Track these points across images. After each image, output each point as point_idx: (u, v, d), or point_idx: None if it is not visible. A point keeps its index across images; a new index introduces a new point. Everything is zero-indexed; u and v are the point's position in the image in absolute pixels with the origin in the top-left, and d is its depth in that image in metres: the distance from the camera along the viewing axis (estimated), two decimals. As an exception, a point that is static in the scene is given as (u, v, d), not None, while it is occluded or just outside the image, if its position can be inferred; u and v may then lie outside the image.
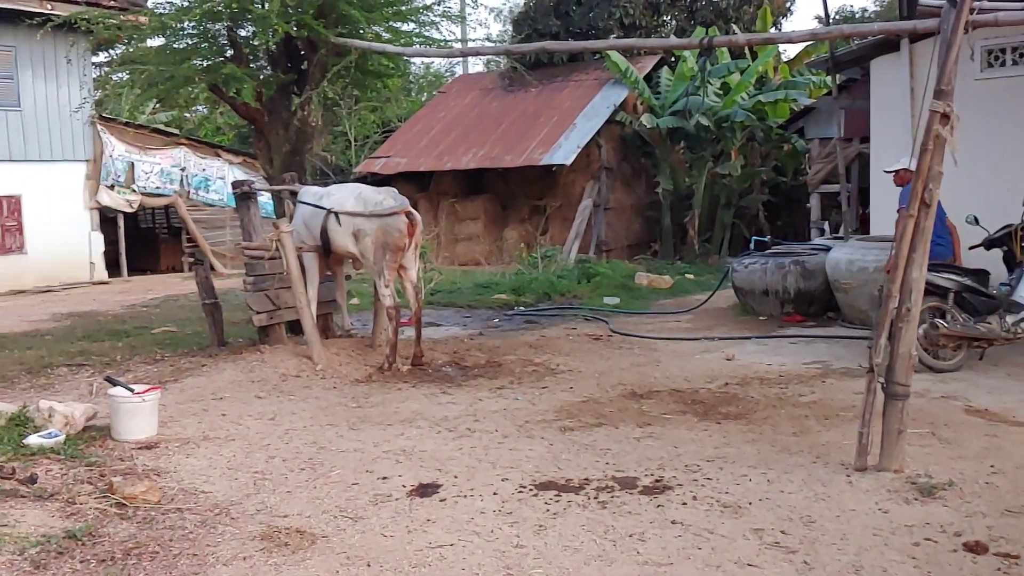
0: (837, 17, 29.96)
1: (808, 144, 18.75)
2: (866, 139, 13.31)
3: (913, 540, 4.13)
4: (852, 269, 9.94)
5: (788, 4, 25.59)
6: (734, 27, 22.30)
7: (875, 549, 4.05)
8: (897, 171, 8.52)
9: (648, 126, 19.63)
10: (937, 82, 5.05)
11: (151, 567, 4.03)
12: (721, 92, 20.31)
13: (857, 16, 32.44)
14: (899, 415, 5.07)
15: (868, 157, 12.77)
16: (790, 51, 23.09)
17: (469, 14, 16.44)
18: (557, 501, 4.77)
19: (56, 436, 5.79)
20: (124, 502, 4.76)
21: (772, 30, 21.82)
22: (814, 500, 4.67)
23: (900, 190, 8.29)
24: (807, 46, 20.77)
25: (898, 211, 7.50)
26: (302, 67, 10.03)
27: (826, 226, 16.83)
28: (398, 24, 10.26)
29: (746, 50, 20.40)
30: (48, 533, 4.32)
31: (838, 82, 13.36)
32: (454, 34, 13.72)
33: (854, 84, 14.51)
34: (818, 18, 35.21)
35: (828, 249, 10.95)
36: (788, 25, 25.98)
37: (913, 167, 7.29)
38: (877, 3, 34.33)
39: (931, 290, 7.10)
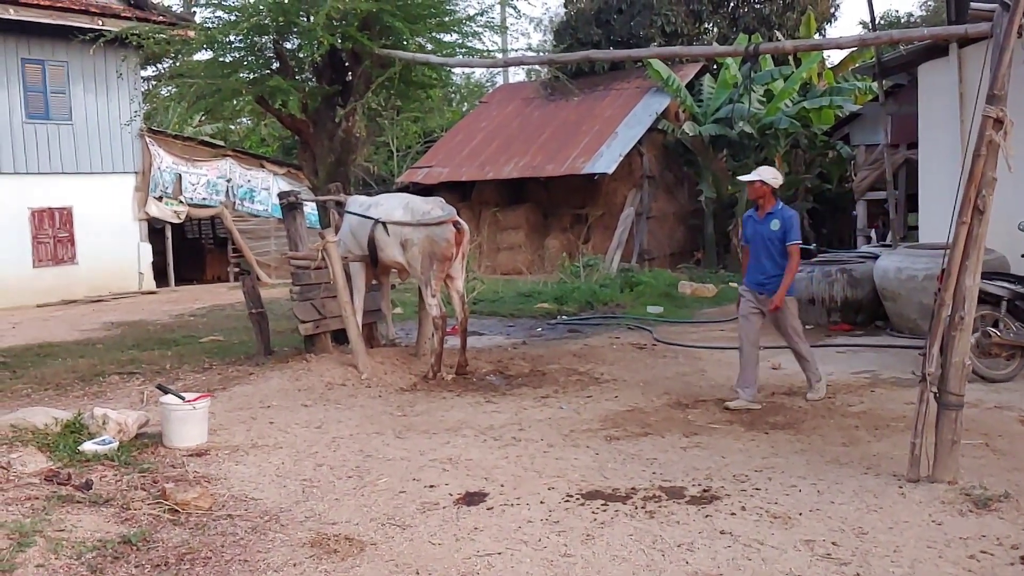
0: (882, 22, 29.61)
1: (853, 151, 18.54)
2: (913, 145, 13.11)
3: (968, 553, 4.05)
4: (901, 277, 9.79)
5: (832, 10, 25.33)
6: (777, 34, 22.13)
7: (929, 562, 3.98)
8: (752, 183, 7.26)
9: (691, 134, 19.54)
10: (990, 87, 4.96)
11: (204, 572, 4.09)
12: (764, 99, 20.16)
13: (902, 21, 32.02)
14: (953, 425, 4.98)
15: (916, 164, 12.59)
16: (834, 57, 22.90)
17: (511, 24, 16.54)
18: (604, 510, 4.75)
19: (110, 443, 5.90)
20: (177, 508, 4.83)
21: (816, 36, 21.62)
22: (866, 511, 4.60)
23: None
24: (852, 52, 20.53)
25: (743, 243, 7.41)
26: (346, 79, 10.14)
27: (873, 233, 16.60)
28: (441, 35, 10.34)
29: (790, 57, 20.23)
30: (104, 538, 4.40)
31: (885, 88, 13.19)
32: (496, 44, 13.77)
33: (901, 89, 14.32)
34: (863, 23, 34.83)
35: (876, 257, 10.80)
36: (832, 31, 25.69)
37: (768, 180, 7.13)
38: (922, 8, 33.88)
39: (984, 298, 6.96)
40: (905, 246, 11.02)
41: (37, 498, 4.88)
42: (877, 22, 16.23)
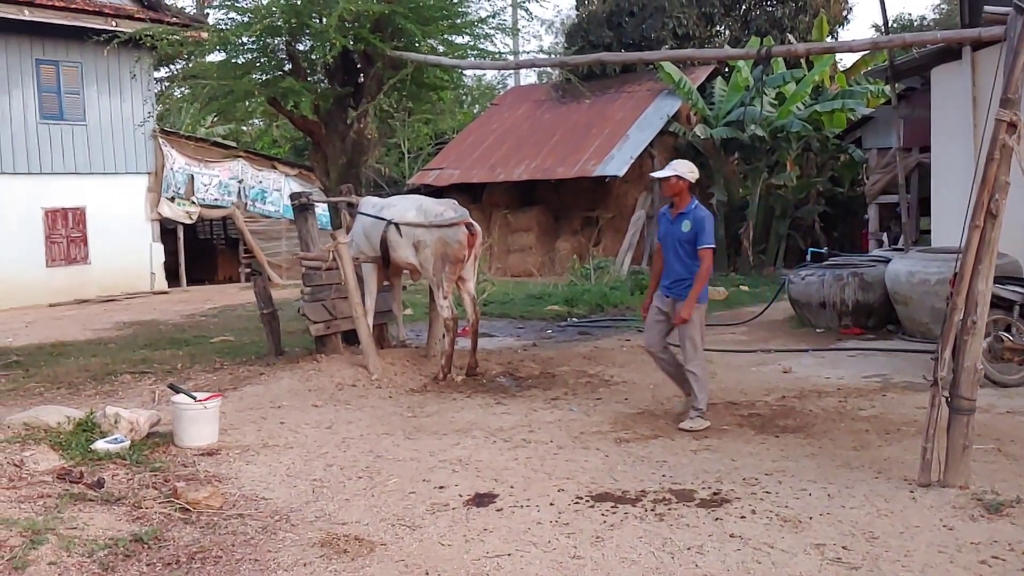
0: (895, 25, 29.52)
1: (866, 154, 18.49)
2: (926, 149, 13.08)
3: (980, 558, 4.03)
4: (913, 281, 9.75)
5: (845, 13, 25.27)
6: (789, 36, 22.09)
7: (940, 567, 3.97)
8: (667, 178, 6.70)
9: (702, 137, 19.52)
10: (1003, 90, 4.95)
11: (215, 571, 4.10)
12: (776, 102, 20.13)
13: (915, 24, 31.91)
14: (964, 430, 4.96)
15: (928, 167, 12.55)
16: (847, 60, 22.84)
17: (523, 27, 16.56)
18: (614, 513, 4.75)
19: (122, 442, 5.93)
20: (188, 507, 4.86)
21: (828, 39, 21.56)
22: (876, 516, 4.58)
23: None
24: (864, 55, 20.48)
25: (704, 248, 6.51)
26: (359, 80, 10.17)
27: (885, 237, 16.55)
28: (453, 37, 10.36)
29: (802, 60, 20.19)
30: (115, 536, 4.43)
31: (897, 91, 13.16)
32: (508, 46, 13.82)
33: (914, 93, 14.29)
34: (875, 27, 34.71)
35: (887, 261, 10.77)
36: (844, 34, 25.64)
37: (685, 174, 6.58)
38: (936, 11, 33.77)
39: (996, 303, 6.94)
40: (917, 250, 10.98)
41: (50, 496, 4.91)
42: (890, 25, 16.17)
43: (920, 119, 13.19)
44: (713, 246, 6.63)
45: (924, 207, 14.54)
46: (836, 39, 23.72)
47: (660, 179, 6.78)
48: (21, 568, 4.01)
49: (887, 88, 15.22)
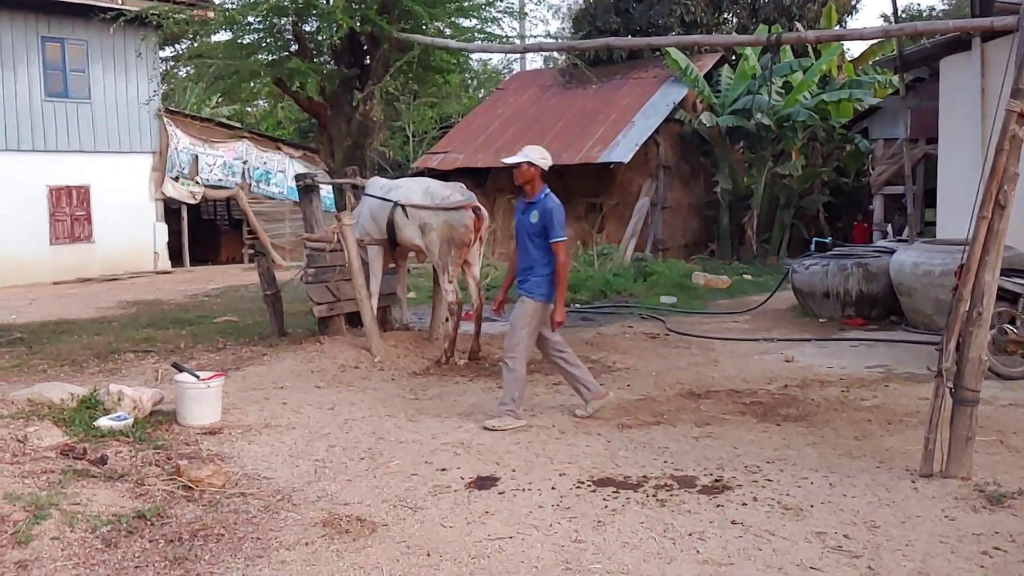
0: (904, 15, 29.36)
1: (872, 145, 18.44)
2: (933, 140, 13.05)
3: (981, 549, 4.04)
4: (917, 272, 9.73)
5: (854, 2, 25.13)
6: (798, 24, 21.97)
7: (941, 556, 3.97)
8: (517, 165, 6.35)
9: (708, 125, 19.46)
10: (1015, 81, 4.91)
11: (216, 549, 4.11)
12: (783, 91, 20.06)
13: (925, 14, 31.75)
14: (968, 421, 4.96)
15: (935, 158, 12.51)
16: (855, 50, 22.74)
17: (530, 11, 16.49)
18: (615, 497, 4.76)
19: (125, 419, 5.94)
20: (190, 485, 4.87)
21: (836, 27, 21.46)
22: (878, 505, 4.59)
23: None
24: (873, 44, 20.40)
25: (556, 242, 6.12)
26: (365, 62, 10.14)
27: (889, 228, 16.52)
28: (460, 20, 10.34)
29: (809, 48, 20.10)
30: (118, 512, 4.44)
31: (906, 81, 13.10)
32: (515, 30, 13.74)
33: (922, 83, 14.25)
34: (884, 16, 34.52)
35: (892, 252, 10.75)
36: (853, 23, 25.52)
37: (536, 160, 6.23)
38: (945, 2, 33.56)
39: (1001, 295, 6.91)
40: (922, 241, 10.95)
41: (53, 472, 4.92)
42: (900, 15, 16.09)
43: (928, 110, 13.15)
44: (564, 238, 6.21)
45: (929, 199, 14.50)
46: (845, 28, 23.61)
47: (511, 166, 6.42)
48: (24, 543, 4.03)
49: (895, 78, 15.16)
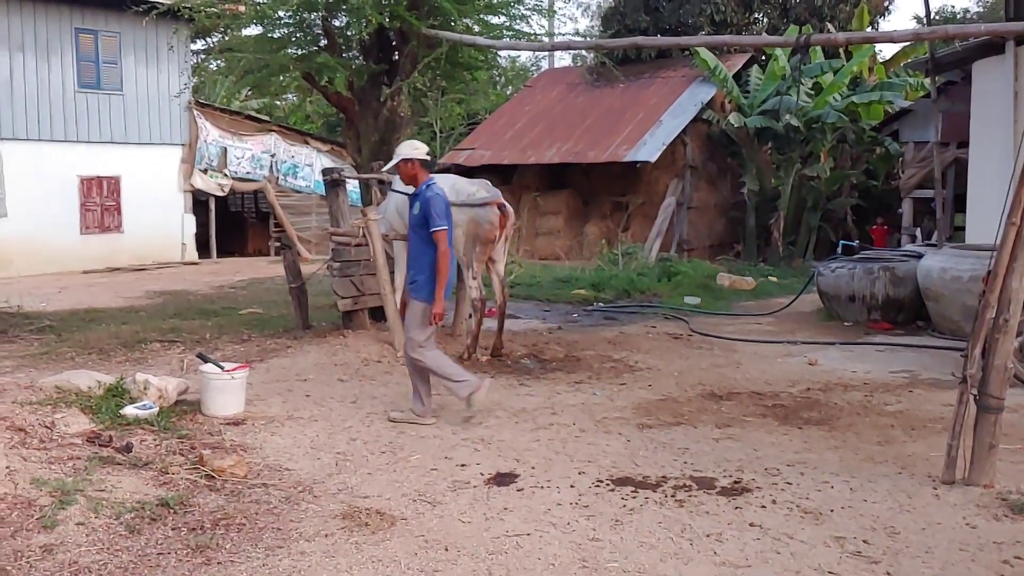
0: (937, 17, 29.04)
1: (902, 148, 18.26)
2: (964, 144, 12.89)
3: (1002, 557, 4.01)
4: (945, 277, 9.63)
5: (886, 3, 24.88)
6: (829, 25, 21.80)
7: (961, 564, 3.95)
8: (396, 167, 6.26)
9: (736, 125, 19.35)
10: (1047, 86, 4.86)
11: (238, 538, 4.17)
12: (813, 92, 19.91)
13: (958, 16, 31.37)
14: (992, 429, 4.91)
15: (966, 163, 12.37)
16: (886, 51, 22.53)
17: (559, 8, 16.48)
18: (634, 497, 4.77)
19: (150, 408, 6.01)
20: (213, 474, 4.93)
21: (868, 29, 21.27)
22: (899, 511, 4.56)
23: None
24: (904, 47, 20.20)
25: (436, 231, 5.93)
26: (393, 58, 10.18)
27: (918, 232, 16.36)
28: (489, 17, 10.35)
29: (841, 50, 19.92)
30: (142, 500, 4.51)
31: (937, 84, 12.95)
32: (543, 28, 13.74)
33: (954, 86, 14.08)
34: (916, 18, 34.18)
35: (919, 256, 10.65)
36: (885, 25, 25.26)
37: (408, 155, 6.05)
38: (979, 4, 33.15)
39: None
40: (951, 246, 10.84)
41: (79, 458, 5.00)
42: (932, 17, 15.92)
43: (959, 113, 12.99)
44: (445, 227, 5.99)
45: (959, 203, 14.34)
46: (877, 30, 23.40)
47: (392, 172, 6.28)
48: (50, 527, 4.10)
49: (926, 81, 14.99)
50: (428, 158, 6.24)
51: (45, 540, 4.00)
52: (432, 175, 6.53)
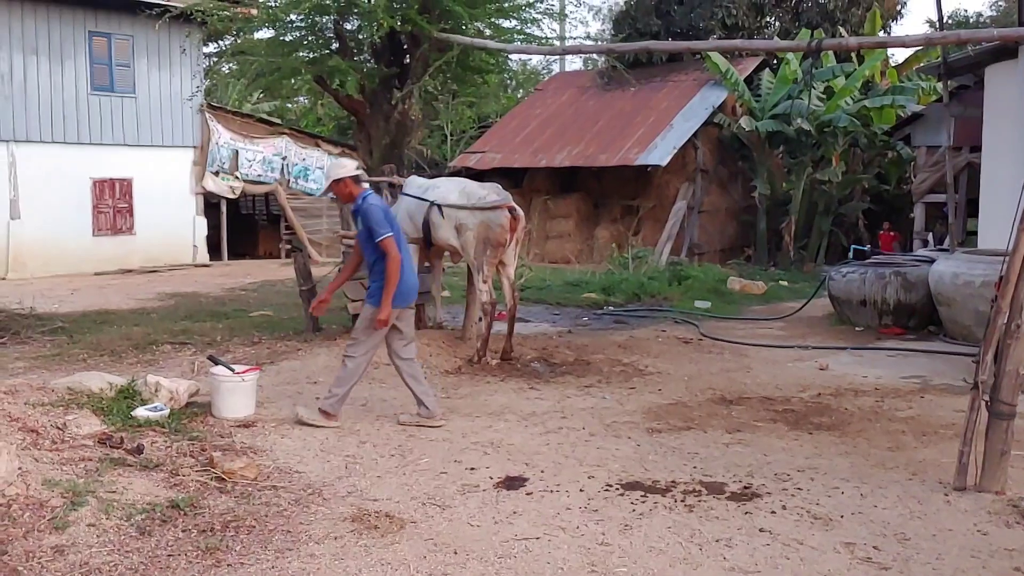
0: (950, 21, 28.95)
1: (914, 152, 18.19)
2: (977, 148, 12.84)
3: (1014, 565, 3.99)
4: (957, 283, 9.60)
5: (899, 7, 24.79)
6: (841, 30, 21.74)
7: (972, 571, 3.93)
8: (332, 184, 6.14)
9: (747, 129, 19.33)
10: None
11: (248, 540, 4.18)
12: (824, 96, 19.86)
13: (971, 21, 31.25)
14: (1003, 435, 4.89)
15: (978, 167, 12.32)
16: (899, 56, 22.46)
17: (570, 12, 16.49)
18: (643, 502, 4.76)
19: (161, 410, 6.04)
20: (223, 476, 4.95)
21: (881, 33, 21.21)
22: (909, 517, 4.55)
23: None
24: (917, 51, 20.11)
25: (381, 240, 5.85)
26: (404, 61, 10.20)
27: (930, 237, 16.30)
28: (500, 21, 10.35)
29: (853, 54, 19.87)
30: (153, 501, 4.53)
31: (950, 89, 12.92)
32: (555, 32, 13.74)
33: (966, 91, 14.03)
34: (929, 22, 34.06)
35: (931, 261, 10.60)
36: (898, 29, 25.17)
37: (338, 175, 5.98)
38: (993, 8, 33.03)
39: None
40: (963, 251, 10.79)
41: (90, 459, 5.02)
42: (945, 21, 15.86)
43: (972, 118, 12.94)
44: (390, 233, 5.91)
45: (972, 208, 14.28)
46: (889, 34, 23.33)
47: (329, 197, 6.20)
48: (62, 528, 4.12)
49: (939, 85, 14.95)
50: (359, 173, 6.23)
51: (57, 541, 4.02)
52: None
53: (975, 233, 12.98)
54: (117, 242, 19.08)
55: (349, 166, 6.24)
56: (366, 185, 6.26)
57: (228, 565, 3.92)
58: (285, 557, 4.01)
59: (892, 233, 19.20)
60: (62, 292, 14.71)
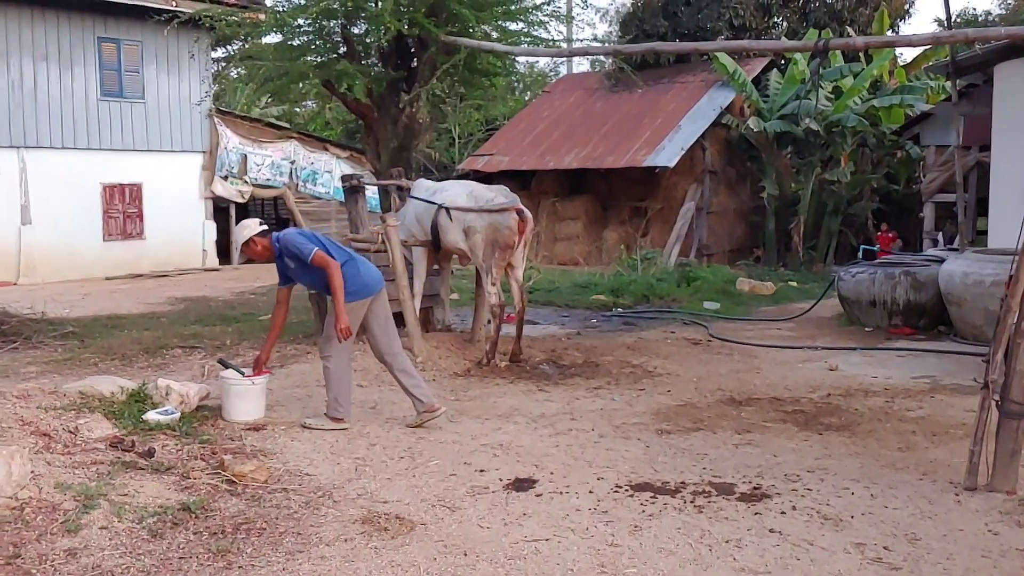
0: (958, 20, 28.82)
1: (923, 151, 18.15)
2: (986, 147, 12.81)
3: (1025, 564, 3.98)
4: (967, 282, 9.57)
5: (907, 6, 24.72)
6: (849, 29, 21.69)
7: (983, 571, 3.92)
8: (243, 248, 6.24)
9: (755, 129, 19.29)
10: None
11: (258, 542, 4.20)
12: (833, 96, 19.81)
13: (980, 19, 31.13)
14: (1014, 435, 4.88)
15: (988, 166, 12.28)
16: (907, 55, 22.37)
17: (577, 14, 16.51)
18: (653, 503, 4.76)
19: (172, 413, 6.06)
20: (234, 479, 4.97)
21: (888, 33, 21.15)
22: (920, 517, 4.54)
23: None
24: (926, 50, 20.05)
25: (312, 258, 5.90)
26: (412, 64, 10.24)
27: (940, 236, 16.25)
28: (507, 23, 10.38)
29: (861, 53, 19.83)
30: (164, 504, 4.55)
31: (958, 88, 12.87)
32: (562, 34, 13.77)
33: (975, 90, 13.99)
34: (938, 21, 33.93)
35: (941, 260, 10.57)
36: (906, 28, 25.10)
37: (251, 236, 6.02)
38: (1001, 6, 32.89)
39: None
40: (973, 250, 10.76)
41: (102, 463, 5.05)
42: (953, 20, 15.82)
43: (981, 117, 12.91)
44: (315, 248, 6.00)
45: (982, 207, 14.24)
46: (897, 33, 23.27)
47: (257, 258, 6.34)
48: (74, 531, 4.14)
49: (947, 84, 14.90)
50: (263, 227, 6.24)
51: (69, 544, 4.04)
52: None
53: (985, 232, 12.93)
54: (127, 247, 19.17)
55: (250, 225, 6.24)
56: (265, 227, 6.27)
57: (239, 567, 3.93)
58: (296, 559, 4.02)
59: (891, 234, 19.16)
60: (73, 297, 14.77)
